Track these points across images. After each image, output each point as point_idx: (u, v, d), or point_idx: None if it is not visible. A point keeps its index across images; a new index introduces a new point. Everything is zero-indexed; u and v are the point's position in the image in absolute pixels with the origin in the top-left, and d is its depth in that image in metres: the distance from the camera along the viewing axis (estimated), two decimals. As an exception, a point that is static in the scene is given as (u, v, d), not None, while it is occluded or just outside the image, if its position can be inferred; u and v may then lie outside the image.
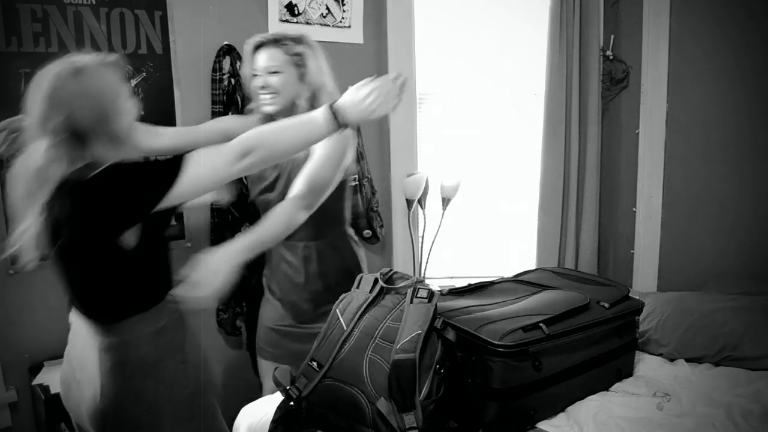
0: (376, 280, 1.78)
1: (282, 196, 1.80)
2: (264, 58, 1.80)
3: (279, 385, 1.66)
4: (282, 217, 1.68)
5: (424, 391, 1.54)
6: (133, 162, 1.29)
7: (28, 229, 1.24)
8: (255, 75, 1.81)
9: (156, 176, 1.26)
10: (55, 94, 1.23)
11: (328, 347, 1.67)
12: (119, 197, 1.23)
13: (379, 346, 1.62)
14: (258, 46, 1.83)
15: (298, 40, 1.81)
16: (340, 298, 1.78)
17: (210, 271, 1.36)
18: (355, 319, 1.69)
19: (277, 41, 1.80)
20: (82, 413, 1.33)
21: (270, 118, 1.82)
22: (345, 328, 1.68)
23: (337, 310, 1.73)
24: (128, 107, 1.34)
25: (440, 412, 1.64)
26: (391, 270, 1.86)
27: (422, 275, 2.88)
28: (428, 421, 1.54)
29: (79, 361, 1.35)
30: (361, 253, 2.11)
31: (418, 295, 1.69)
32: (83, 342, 1.35)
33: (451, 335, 1.63)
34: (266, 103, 1.80)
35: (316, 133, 1.41)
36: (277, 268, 2.04)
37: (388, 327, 1.65)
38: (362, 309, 1.71)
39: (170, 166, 1.26)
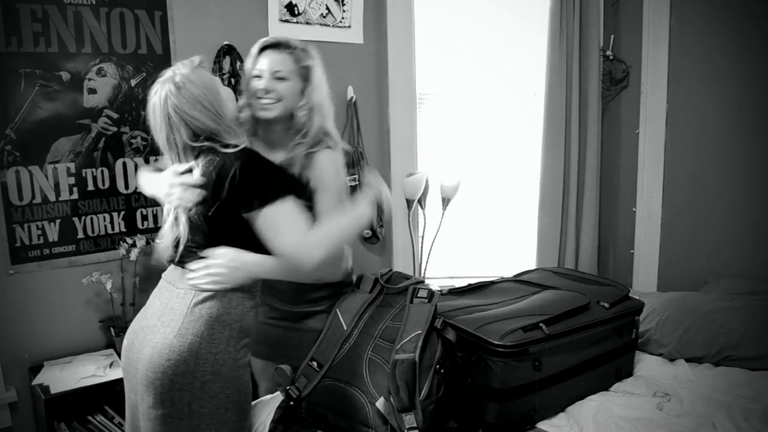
0: (376, 280, 1.78)
1: None
2: (272, 61, 1.71)
3: (279, 385, 1.67)
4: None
5: (424, 391, 1.54)
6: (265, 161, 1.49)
7: (166, 234, 1.50)
8: (257, 77, 1.73)
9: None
10: (170, 113, 1.41)
11: (328, 347, 1.67)
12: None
13: (379, 346, 1.62)
14: (266, 47, 1.75)
15: (308, 53, 1.75)
16: (341, 298, 1.78)
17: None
18: (355, 319, 1.69)
19: (288, 47, 1.73)
20: (145, 356, 1.44)
21: (256, 122, 1.77)
22: (345, 328, 1.68)
23: (338, 310, 1.73)
24: (228, 95, 1.51)
25: (440, 412, 1.64)
26: (391, 270, 1.86)
27: (422, 275, 2.88)
28: (428, 422, 1.54)
29: (164, 308, 1.49)
30: None
31: (418, 295, 1.69)
32: (174, 296, 1.50)
33: (451, 335, 1.63)
34: (265, 107, 1.71)
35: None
36: None
37: (388, 327, 1.65)
38: (362, 309, 1.72)
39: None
